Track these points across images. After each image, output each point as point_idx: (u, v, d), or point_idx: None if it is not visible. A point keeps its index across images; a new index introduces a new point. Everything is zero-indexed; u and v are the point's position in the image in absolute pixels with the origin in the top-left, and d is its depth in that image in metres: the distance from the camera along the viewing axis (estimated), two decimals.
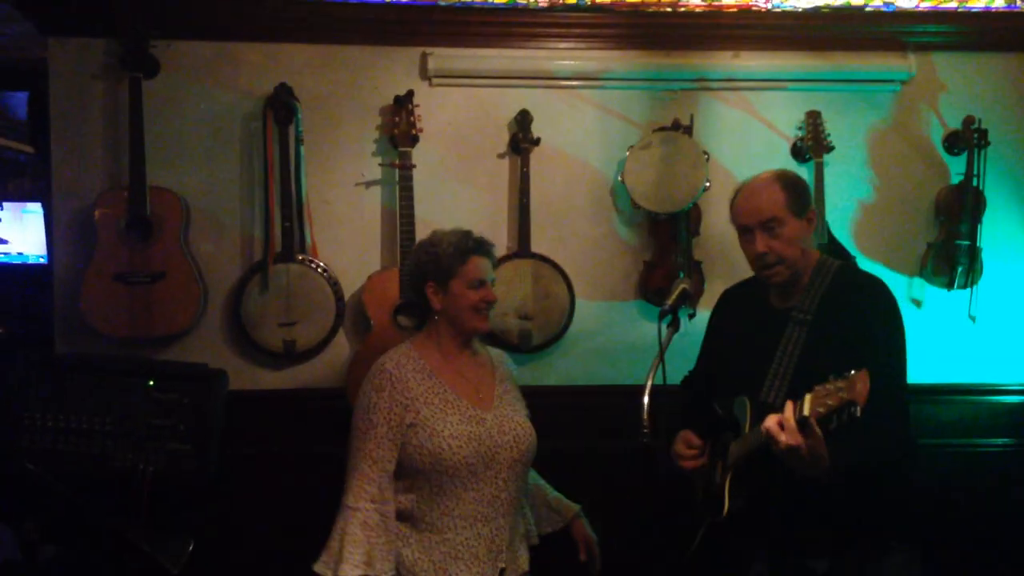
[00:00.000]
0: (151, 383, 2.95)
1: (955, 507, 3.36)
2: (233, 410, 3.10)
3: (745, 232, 2.32)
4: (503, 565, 2.33)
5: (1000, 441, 3.48)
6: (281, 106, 3.21)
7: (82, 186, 3.22)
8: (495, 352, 2.58)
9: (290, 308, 3.20)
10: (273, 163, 3.21)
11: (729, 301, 2.58)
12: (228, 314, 3.26)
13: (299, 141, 3.23)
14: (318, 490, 3.19)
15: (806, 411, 1.91)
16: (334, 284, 3.23)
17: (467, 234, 2.40)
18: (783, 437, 1.96)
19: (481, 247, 2.40)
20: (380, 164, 3.31)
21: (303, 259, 3.21)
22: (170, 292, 3.10)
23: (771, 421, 1.99)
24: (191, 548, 2.74)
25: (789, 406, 1.98)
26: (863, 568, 2.24)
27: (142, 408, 2.93)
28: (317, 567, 2.25)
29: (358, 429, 2.30)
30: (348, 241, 3.32)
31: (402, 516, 2.30)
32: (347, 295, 3.27)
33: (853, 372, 1.85)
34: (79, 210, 3.20)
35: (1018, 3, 3.41)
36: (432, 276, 2.37)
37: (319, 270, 3.22)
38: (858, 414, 1.84)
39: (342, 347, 3.30)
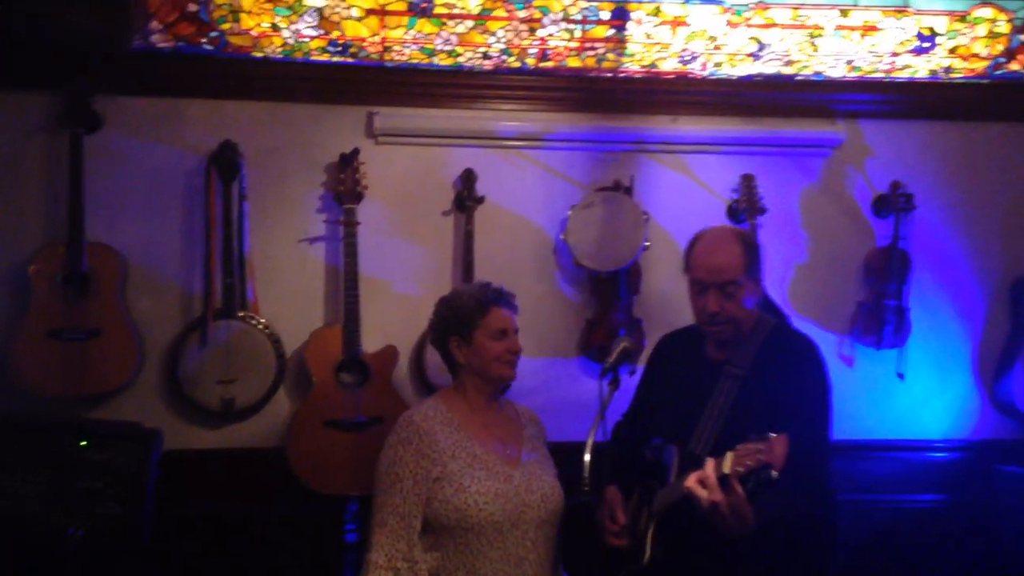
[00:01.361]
0: (83, 443, 2.85)
1: (885, 562, 3.41)
2: (168, 470, 3.01)
3: (699, 286, 2.32)
4: None
5: (928, 497, 3.55)
6: (225, 162, 3.19)
7: (18, 241, 3.14)
8: (523, 409, 2.56)
9: (229, 365, 3.14)
10: (215, 219, 3.18)
11: (666, 348, 2.61)
12: (165, 371, 3.19)
13: (243, 197, 3.21)
14: (257, 552, 3.16)
15: (726, 469, 1.94)
16: (275, 341, 3.19)
17: (486, 286, 2.42)
18: (704, 494, 1.99)
19: (501, 298, 2.42)
20: (325, 221, 3.31)
21: (244, 315, 3.17)
22: (106, 349, 3.03)
23: (692, 479, 2.02)
24: None
25: (710, 464, 2.01)
26: None
27: (73, 469, 2.82)
28: None
29: (383, 483, 2.25)
30: (291, 298, 3.29)
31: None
32: (289, 352, 3.23)
33: (773, 436, 1.89)
34: (14, 265, 3.11)
35: (940, 74, 3.57)
36: (454, 330, 2.38)
37: (260, 326, 3.18)
38: (774, 477, 1.87)
39: (282, 405, 3.25)
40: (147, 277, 3.21)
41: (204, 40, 3.28)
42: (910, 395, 3.57)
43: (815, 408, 2.26)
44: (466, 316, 2.36)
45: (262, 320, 3.19)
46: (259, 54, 3.32)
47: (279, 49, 3.33)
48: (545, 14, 3.42)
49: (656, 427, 2.42)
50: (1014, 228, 3.62)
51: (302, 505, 3.12)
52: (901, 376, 3.52)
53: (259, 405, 3.20)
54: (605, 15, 3.44)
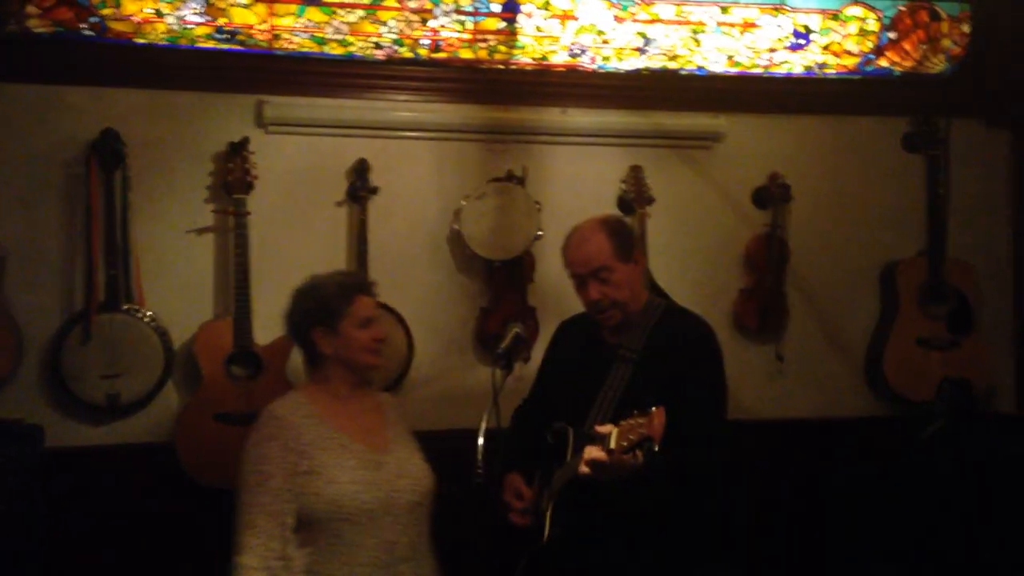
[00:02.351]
0: None
1: (762, 535, 3.57)
2: (51, 468, 2.93)
3: (578, 279, 2.43)
4: None
5: (803, 473, 3.69)
6: (107, 151, 3.11)
7: None
8: (384, 396, 2.54)
9: (114, 359, 3.07)
10: (98, 210, 3.10)
11: (564, 333, 2.69)
12: (47, 366, 3.10)
13: (126, 187, 3.14)
14: (146, 550, 3.09)
15: (612, 445, 2.02)
16: (162, 334, 3.13)
17: (348, 274, 2.41)
18: (589, 471, 2.09)
19: (365, 286, 2.38)
20: (213, 211, 3.26)
21: (129, 308, 3.11)
22: None
23: (582, 462, 2.10)
24: None
25: (593, 449, 2.08)
26: None
27: None
28: None
29: (249, 482, 2.16)
30: (179, 290, 3.23)
31: (305, 572, 2.18)
32: (177, 345, 3.18)
33: (652, 409, 1.97)
34: None
35: (815, 70, 3.75)
36: (319, 320, 2.29)
37: (146, 319, 3.12)
38: (655, 449, 1.95)
39: (171, 399, 3.20)
40: (27, 269, 3.11)
41: (84, 26, 3.20)
42: (789, 376, 3.74)
43: (710, 380, 2.37)
44: (332, 305, 2.28)
45: (148, 313, 3.13)
46: (142, 40, 3.24)
47: (163, 36, 3.26)
48: (437, 5, 3.45)
49: (555, 411, 2.49)
50: (883, 217, 3.83)
51: (192, 501, 3.07)
52: (781, 359, 3.69)
53: (146, 400, 3.14)
54: (496, 7, 3.50)
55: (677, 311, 2.53)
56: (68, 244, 3.15)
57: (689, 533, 2.36)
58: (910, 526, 3.37)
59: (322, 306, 2.29)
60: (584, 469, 2.10)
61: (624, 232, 2.46)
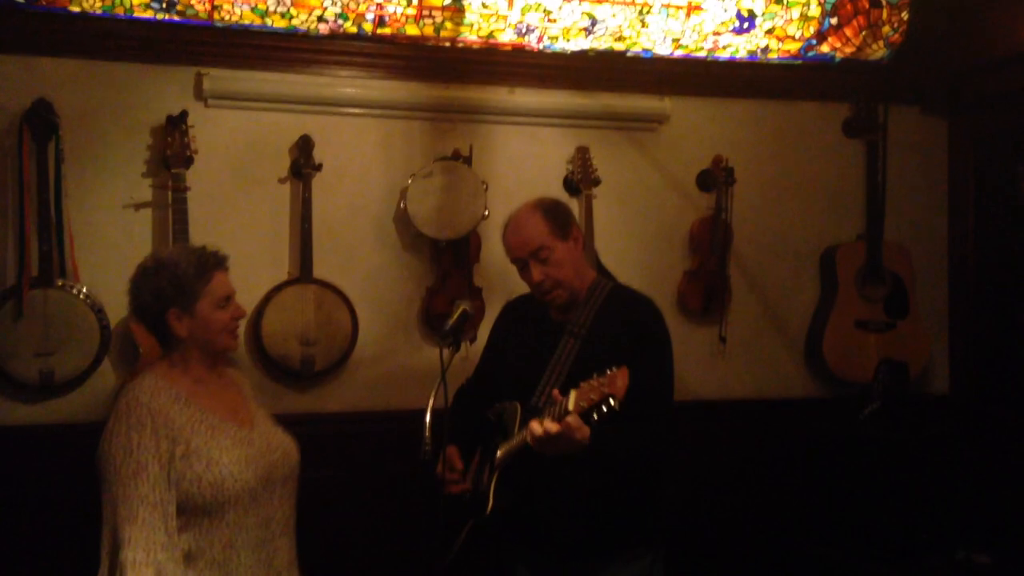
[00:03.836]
0: None
1: (701, 514, 3.66)
2: None
3: (519, 264, 2.48)
4: None
5: (744, 453, 3.82)
6: (39, 122, 3.06)
7: None
8: (234, 372, 2.45)
9: (47, 336, 3.02)
10: (30, 182, 3.04)
11: (510, 312, 2.73)
12: None
13: (59, 160, 3.08)
14: (77, 532, 3.04)
15: (570, 406, 2.06)
16: (98, 311, 3.09)
17: (202, 249, 2.23)
18: (539, 429, 2.13)
19: (221, 261, 2.24)
20: (152, 186, 3.22)
21: (63, 284, 3.06)
22: None
23: (535, 427, 2.15)
24: None
25: (547, 420, 2.13)
26: (616, 571, 2.41)
27: None
28: None
29: (122, 475, 2.04)
30: (115, 266, 3.13)
31: (185, 558, 2.10)
32: (113, 322, 3.14)
33: (615, 368, 2.03)
34: None
35: (758, 54, 3.83)
36: (173, 302, 2.15)
37: (81, 296, 3.07)
38: (615, 406, 2.02)
39: (107, 377, 3.16)
40: None
41: None
42: (731, 358, 3.84)
43: (656, 357, 2.42)
44: (188, 285, 2.15)
45: (83, 289, 3.08)
46: (76, 8, 3.17)
47: (99, 4, 3.19)
48: None
49: (499, 389, 2.53)
50: (824, 202, 3.95)
51: None
52: (723, 340, 3.78)
53: (82, 378, 3.10)
54: None
55: (623, 291, 2.58)
56: None
57: (628, 510, 2.42)
58: (846, 504, 3.49)
59: (176, 286, 2.15)
60: (538, 432, 2.14)
61: (559, 211, 2.50)
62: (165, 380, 2.18)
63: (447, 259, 3.49)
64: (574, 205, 3.57)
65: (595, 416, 2.06)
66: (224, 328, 2.21)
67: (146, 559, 2.01)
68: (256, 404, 2.37)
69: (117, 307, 3.12)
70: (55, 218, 3.05)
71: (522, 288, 2.60)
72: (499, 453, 2.38)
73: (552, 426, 2.11)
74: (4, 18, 3.09)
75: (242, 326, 3.14)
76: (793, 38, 3.81)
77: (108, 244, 3.18)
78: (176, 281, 2.14)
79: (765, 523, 3.74)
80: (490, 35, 3.58)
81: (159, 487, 2.05)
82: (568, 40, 3.64)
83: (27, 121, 3.04)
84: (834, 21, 3.79)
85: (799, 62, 3.87)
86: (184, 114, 3.16)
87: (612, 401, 2.01)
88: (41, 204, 3.03)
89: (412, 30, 3.50)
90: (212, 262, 2.20)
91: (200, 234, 3.13)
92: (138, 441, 2.06)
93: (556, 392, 2.20)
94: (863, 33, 3.73)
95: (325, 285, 3.36)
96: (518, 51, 3.62)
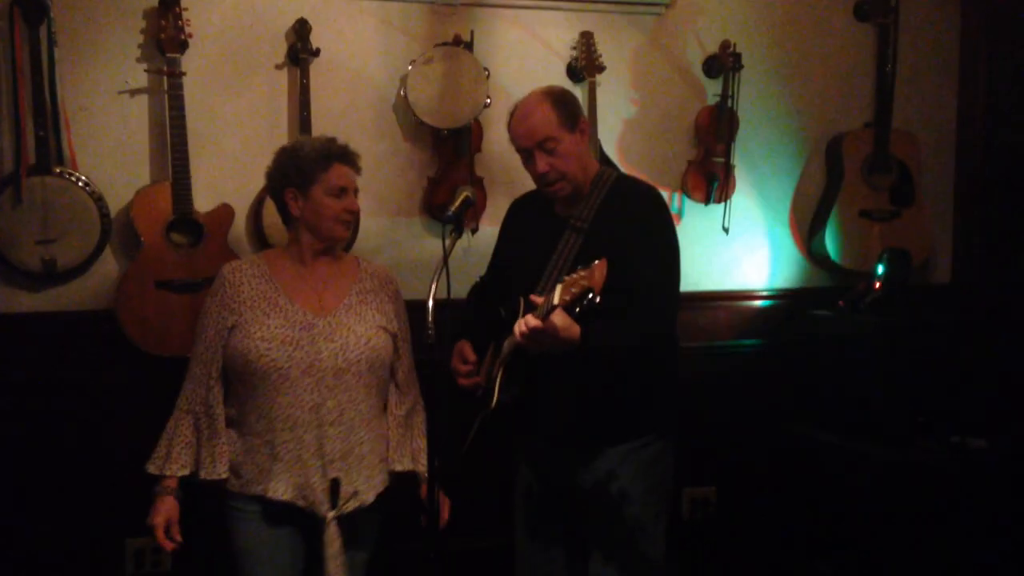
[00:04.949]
0: None
1: (709, 402, 3.74)
2: None
3: (524, 153, 2.47)
4: (336, 475, 2.34)
5: (748, 342, 3.90)
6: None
7: None
8: (374, 267, 2.57)
9: (48, 224, 3.02)
10: (23, 67, 3.00)
11: (517, 210, 2.75)
12: None
13: (52, 43, 3.03)
14: (85, 415, 3.12)
15: (555, 300, 2.08)
16: (98, 199, 3.08)
17: (331, 140, 2.41)
18: (521, 327, 2.15)
19: (346, 155, 2.42)
20: (146, 71, 3.17)
21: (61, 171, 3.05)
22: None
23: (521, 324, 2.16)
24: None
25: (529, 317, 2.15)
26: (627, 458, 2.49)
27: None
28: (147, 466, 2.37)
29: (196, 333, 2.42)
30: (113, 153, 3.17)
31: (229, 423, 2.39)
32: (114, 211, 3.14)
33: (595, 262, 2.04)
34: None
35: None
36: (292, 182, 2.37)
37: (80, 184, 3.06)
38: (595, 300, 2.02)
39: (110, 266, 3.18)
40: None
41: None
42: (734, 248, 3.86)
43: (659, 246, 2.44)
44: (307, 168, 2.35)
45: (82, 176, 3.07)
46: None
47: None
48: None
49: (510, 284, 2.55)
50: (832, 89, 3.91)
51: (136, 369, 3.10)
52: (726, 230, 3.79)
53: (84, 266, 3.12)
54: None
55: (627, 181, 2.58)
56: None
57: (631, 399, 2.47)
58: (844, 389, 3.56)
59: (297, 167, 2.36)
60: (518, 339, 2.17)
61: (569, 101, 2.48)
62: (265, 260, 2.47)
63: (448, 148, 3.47)
64: (577, 93, 3.49)
65: (577, 309, 2.07)
66: (334, 216, 2.39)
67: (188, 407, 2.40)
68: (364, 301, 2.46)
69: (117, 195, 3.14)
70: (50, 103, 3.02)
71: (524, 178, 2.60)
72: (503, 348, 2.42)
73: (534, 322, 2.12)
74: None
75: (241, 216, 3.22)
76: None
77: (105, 131, 3.16)
78: (298, 163, 2.37)
79: (765, 409, 3.82)
80: None
81: (211, 349, 2.38)
82: None
83: (18, 3, 2.97)
84: None
85: None
86: None
87: (592, 295, 2.02)
88: (35, 89, 2.99)
89: None
90: (336, 153, 2.40)
91: (197, 121, 3.13)
92: (208, 306, 2.41)
93: (533, 297, 2.20)
94: None
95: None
96: None
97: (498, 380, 2.42)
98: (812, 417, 3.68)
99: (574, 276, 2.07)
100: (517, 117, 2.48)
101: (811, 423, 3.66)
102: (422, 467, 2.50)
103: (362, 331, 2.41)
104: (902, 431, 3.40)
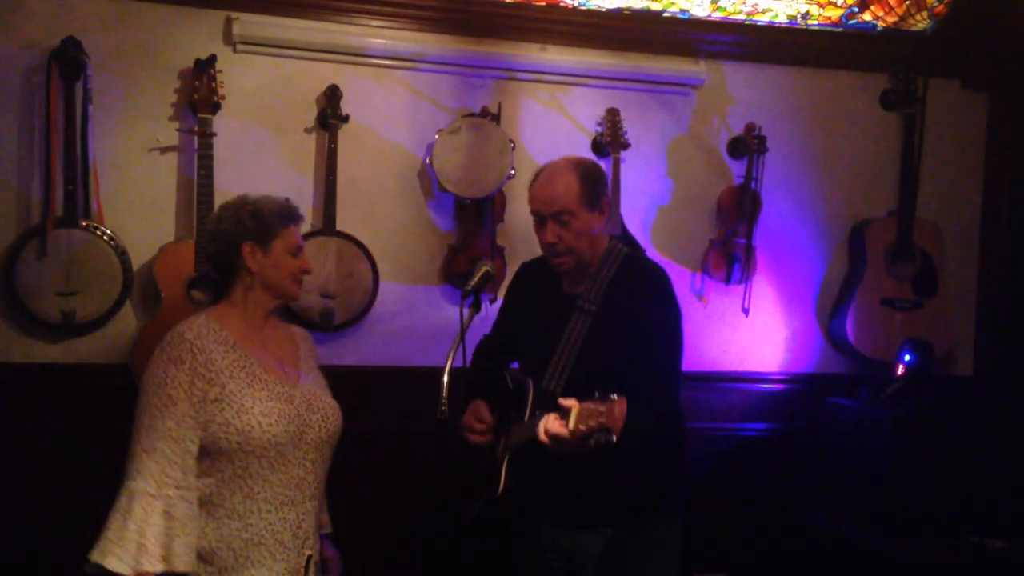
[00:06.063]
0: None
1: (723, 486, 3.75)
2: (4, 383, 2.98)
3: (537, 217, 2.46)
4: (309, 552, 2.28)
5: (764, 426, 3.93)
6: (68, 61, 3.12)
7: None
8: (298, 329, 2.53)
9: (71, 277, 3.12)
10: (57, 121, 3.12)
11: (526, 275, 2.74)
12: (0, 280, 3.12)
13: (87, 99, 3.16)
14: (95, 469, 3.15)
15: (570, 426, 2.09)
16: (121, 253, 3.18)
17: (286, 200, 2.35)
18: (547, 441, 2.16)
19: (299, 217, 2.36)
20: (178, 130, 3.30)
21: (87, 225, 3.15)
22: None
23: (541, 432, 2.17)
24: None
25: (556, 424, 2.14)
26: (636, 538, 2.48)
27: None
28: (109, 562, 2.04)
29: (152, 406, 2.11)
30: (140, 209, 3.28)
31: (202, 502, 2.16)
32: (136, 265, 3.23)
33: (614, 397, 2.04)
34: None
35: (798, 20, 3.84)
36: (252, 236, 2.24)
37: (105, 237, 3.16)
38: (613, 440, 2.03)
39: (128, 321, 3.27)
40: None
41: None
42: (753, 330, 3.91)
43: (664, 333, 2.44)
44: (269, 223, 2.25)
45: (107, 231, 3.17)
46: None
47: None
48: None
49: (514, 354, 2.60)
50: (857, 175, 4.00)
51: None
52: (746, 311, 3.84)
53: (103, 319, 3.20)
54: None
55: (635, 260, 2.55)
56: (25, 155, 3.17)
57: (643, 480, 2.47)
58: (862, 481, 3.56)
59: (258, 221, 2.25)
60: (543, 439, 2.17)
61: (597, 178, 2.47)
62: (218, 322, 2.25)
63: (471, 217, 3.56)
64: (602, 168, 3.59)
65: (592, 443, 2.07)
66: (291, 274, 2.30)
67: (156, 492, 2.07)
68: (310, 365, 2.41)
69: (140, 250, 3.23)
70: (81, 158, 3.13)
71: None
72: (512, 435, 2.43)
73: (562, 431, 2.12)
74: None
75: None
76: (835, 4, 3.82)
77: (133, 187, 3.27)
78: (259, 217, 2.25)
79: (778, 496, 3.84)
80: None
81: (185, 425, 2.10)
82: None
83: (56, 59, 3.11)
84: None
85: (839, 29, 3.89)
86: (212, 58, 3.23)
87: (611, 436, 2.03)
88: (67, 144, 3.11)
89: None
90: (293, 214, 2.32)
91: (224, 181, 3.22)
92: (173, 375, 2.12)
93: (562, 401, 2.16)
94: (906, 3, 3.73)
95: (347, 238, 3.44)
96: (551, 7, 3.65)
97: (504, 465, 2.43)
98: (827, 506, 3.68)
99: (591, 406, 2.06)
100: (541, 180, 2.46)
101: (826, 512, 3.66)
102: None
103: (329, 400, 2.38)
104: (918, 526, 3.39)
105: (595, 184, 2.45)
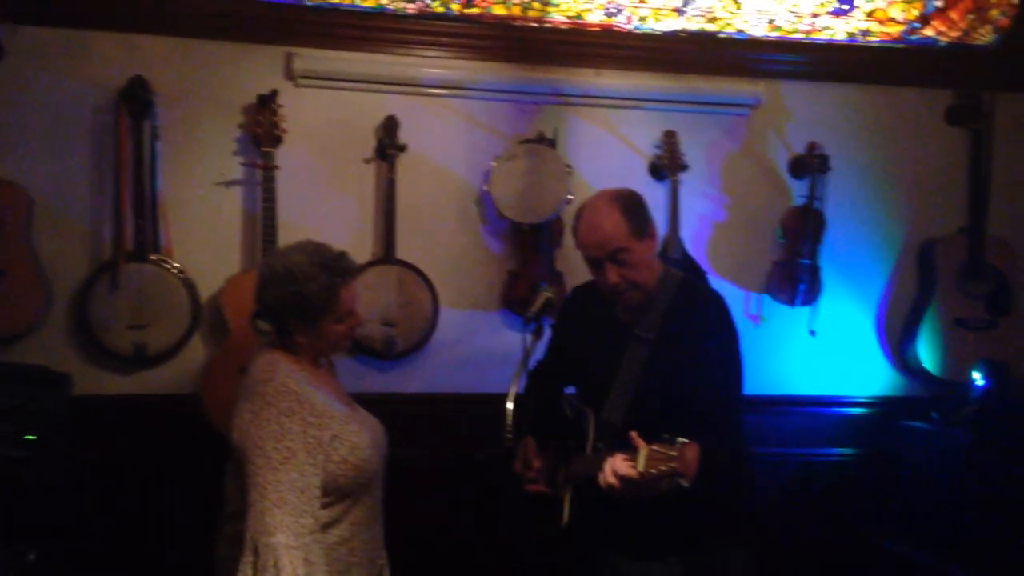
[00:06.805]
0: None
1: (793, 514, 3.74)
2: (78, 416, 3.12)
3: (592, 261, 2.45)
4: (382, 562, 2.43)
5: (836, 451, 3.91)
6: (136, 99, 3.28)
7: None
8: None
9: (141, 310, 3.25)
10: (126, 158, 3.28)
11: (578, 301, 2.74)
12: (73, 315, 3.30)
13: (155, 136, 3.31)
14: (169, 498, 3.28)
15: (640, 467, 2.09)
16: (190, 286, 3.31)
17: (334, 261, 2.29)
18: (615, 483, 2.16)
19: (348, 270, 2.33)
20: (241, 164, 3.43)
21: (157, 259, 3.29)
22: (10, 291, 3.13)
23: (608, 474, 2.17)
24: (33, 558, 2.74)
25: (624, 466, 2.13)
26: (703, 568, 2.50)
27: None
28: None
29: (273, 461, 2.16)
30: (206, 242, 3.41)
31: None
32: (204, 298, 3.37)
33: (684, 442, 2.05)
34: None
35: (857, 37, 3.86)
36: (296, 315, 2.27)
37: (174, 271, 3.29)
38: (686, 485, 2.04)
39: (197, 352, 3.40)
40: (54, 217, 3.30)
41: None
42: (821, 352, 3.90)
43: (724, 362, 2.44)
44: (315, 303, 2.26)
45: (176, 264, 3.31)
46: None
47: None
48: None
49: (571, 379, 2.63)
50: (924, 192, 3.98)
51: (217, 452, 3.23)
52: (813, 333, 3.84)
53: (173, 351, 3.34)
54: None
55: (692, 287, 2.55)
56: (96, 192, 3.34)
57: (712, 511, 2.46)
58: (936, 507, 3.52)
59: (301, 302, 2.25)
60: (612, 481, 2.16)
61: (638, 207, 2.44)
62: (295, 365, 2.30)
63: (529, 243, 3.62)
64: (660, 191, 3.67)
65: (663, 487, 2.08)
66: (340, 340, 2.36)
67: (296, 543, 2.13)
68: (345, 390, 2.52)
69: (207, 282, 3.36)
70: (150, 194, 3.28)
71: None
72: (574, 467, 2.46)
73: (631, 472, 2.12)
74: None
75: None
76: (895, 21, 3.83)
77: (199, 220, 3.42)
78: (301, 299, 2.24)
79: (850, 521, 3.80)
80: (578, 15, 3.69)
81: (307, 474, 2.18)
82: (658, 21, 3.73)
83: (124, 98, 3.27)
84: (939, 3, 3.80)
85: (901, 46, 3.89)
86: (274, 93, 3.36)
87: (684, 480, 2.04)
88: (136, 180, 3.27)
89: (499, 10, 3.63)
90: (340, 281, 2.28)
91: (287, 212, 3.34)
92: (289, 427, 2.18)
93: (634, 435, 2.16)
94: (970, 17, 3.72)
95: (407, 266, 3.53)
96: (606, 32, 3.72)
97: (567, 497, 2.46)
98: (901, 532, 3.63)
99: (662, 450, 2.06)
100: (585, 223, 2.43)
101: (900, 538, 3.61)
102: None
103: (377, 420, 2.48)
104: (995, 554, 3.33)
105: (639, 213, 2.43)
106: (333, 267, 2.28)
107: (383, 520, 2.44)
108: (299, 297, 2.24)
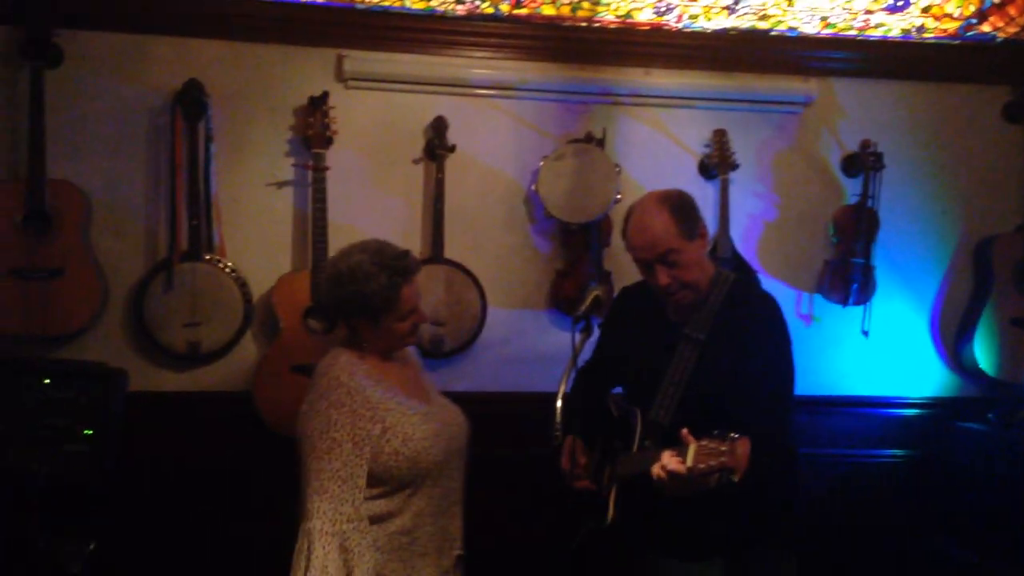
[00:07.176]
0: (46, 381, 3.05)
1: (844, 515, 3.71)
2: (133, 412, 3.22)
3: (642, 263, 2.47)
4: (458, 552, 2.47)
5: (888, 452, 3.87)
6: (190, 102, 3.36)
7: None
8: (406, 350, 2.65)
9: (195, 308, 3.34)
10: (181, 160, 3.36)
11: (627, 300, 2.77)
12: (130, 313, 3.38)
13: (209, 138, 3.39)
14: (220, 494, 3.36)
15: (689, 463, 2.11)
16: (242, 285, 3.38)
17: (395, 261, 2.36)
18: (665, 479, 2.18)
19: (409, 269, 2.38)
20: (293, 165, 3.50)
21: (210, 258, 3.36)
22: (69, 289, 3.21)
23: (657, 468, 2.19)
24: (91, 549, 2.82)
25: (673, 461, 2.15)
26: (749, 569, 2.50)
27: (37, 407, 3.04)
28: None
29: (319, 450, 2.27)
30: (258, 242, 3.48)
31: (373, 520, 2.32)
32: (256, 296, 3.44)
33: (736, 437, 2.05)
34: None
35: (912, 34, 3.82)
36: (360, 314, 2.36)
37: (227, 270, 3.37)
38: (735, 480, 2.05)
39: (249, 349, 3.47)
40: (111, 216, 3.39)
41: None
42: (874, 352, 3.88)
43: (776, 364, 2.44)
44: (376, 303, 2.33)
45: (229, 263, 3.39)
46: None
47: None
48: None
49: (619, 379, 2.65)
50: (980, 190, 3.94)
51: (268, 449, 3.32)
52: (866, 333, 3.82)
53: (226, 349, 3.41)
54: None
55: (744, 288, 2.56)
56: (152, 192, 3.42)
57: (757, 514, 2.46)
58: (991, 510, 3.47)
59: (364, 302, 2.33)
60: (660, 474, 2.18)
61: (688, 208, 2.46)
62: (357, 358, 2.40)
63: (577, 242, 3.65)
64: (709, 190, 3.67)
65: (712, 482, 2.09)
66: (404, 336, 2.43)
67: (332, 529, 2.23)
68: (428, 379, 2.59)
69: (259, 282, 3.43)
70: (204, 194, 3.36)
71: None
72: (620, 466, 2.48)
73: (679, 468, 2.13)
74: (159, 1, 3.41)
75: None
76: (951, 17, 3.80)
77: (251, 221, 3.49)
78: (362, 299, 2.33)
79: (903, 523, 3.78)
80: (627, 14, 3.71)
81: (351, 464, 2.27)
82: (709, 19, 3.74)
83: (180, 100, 3.36)
84: None
85: (957, 42, 3.85)
86: (325, 95, 3.42)
87: (734, 475, 2.05)
88: (191, 181, 3.35)
89: (548, 10, 3.67)
90: (401, 280, 2.35)
91: (337, 212, 3.40)
92: (336, 419, 2.28)
93: (684, 432, 2.18)
94: None
95: (455, 266, 3.57)
96: (656, 31, 3.73)
97: (612, 496, 2.48)
98: (956, 533, 3.61)
99: (712, 445, 2.08)
100: (635, 226, 2.46)
101: (955, 539, 3.59)
102: None
103: (455, 408, 2.54)
104: None
105: (688, 214, 2.45)
106: (394, 266, 2.35)
107: (460, 513, 2.48)
108: (360, 296, 2.33)
